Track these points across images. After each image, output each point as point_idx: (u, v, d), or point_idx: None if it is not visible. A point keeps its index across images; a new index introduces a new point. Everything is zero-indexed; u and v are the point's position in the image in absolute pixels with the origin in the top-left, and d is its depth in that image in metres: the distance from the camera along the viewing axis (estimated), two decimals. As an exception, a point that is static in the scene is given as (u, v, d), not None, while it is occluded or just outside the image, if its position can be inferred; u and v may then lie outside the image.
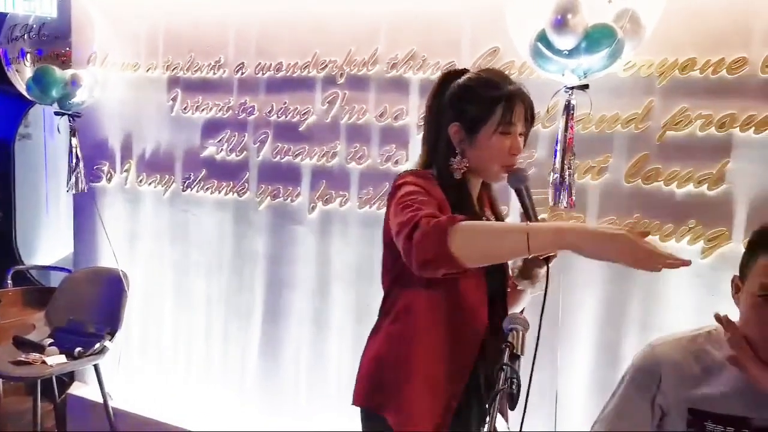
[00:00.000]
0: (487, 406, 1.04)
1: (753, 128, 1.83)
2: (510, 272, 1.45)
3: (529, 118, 1.36)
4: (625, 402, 1.33)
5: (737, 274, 1.28)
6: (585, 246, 1.11)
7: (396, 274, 1.36)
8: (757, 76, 1.82)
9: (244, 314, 2.80)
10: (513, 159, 1.34)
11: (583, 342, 2.11)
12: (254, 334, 2.79)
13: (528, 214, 1.33)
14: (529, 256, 1.23)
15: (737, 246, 1.85)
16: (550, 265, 1.29)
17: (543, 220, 1.46)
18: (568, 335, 2.11)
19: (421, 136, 1.51)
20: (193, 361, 2.95)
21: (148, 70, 2.93)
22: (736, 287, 1.27)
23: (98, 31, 2.99)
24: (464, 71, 1.41)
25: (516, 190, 1.34)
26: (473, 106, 1.33)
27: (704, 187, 1.90)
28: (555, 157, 1.95)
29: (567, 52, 1.80)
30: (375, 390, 1.36)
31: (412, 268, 1.20)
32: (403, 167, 2.34)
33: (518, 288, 1.43)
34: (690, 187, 1.92)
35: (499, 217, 1.50)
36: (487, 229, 1.23)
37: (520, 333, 1.15)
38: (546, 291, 1.27)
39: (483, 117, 1.32)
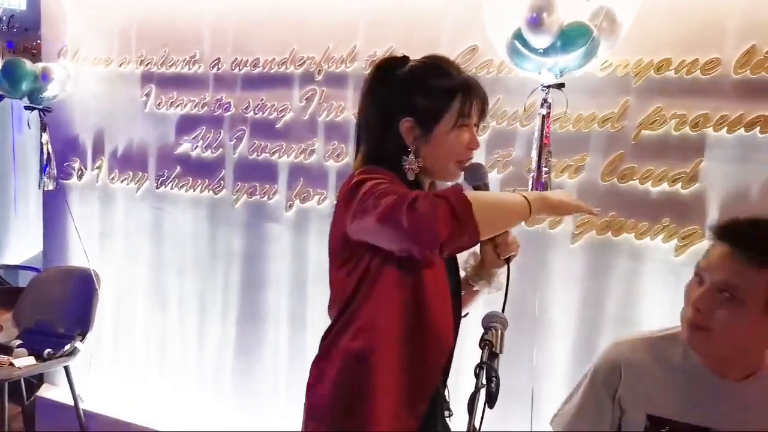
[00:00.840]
0: (467, 405, 1.01)
1: (726, 128, 1.86)
2: (464, 273, 1.38)
3: (484, 110, 1.26)
4: (585, 399, 1.30)
5: None
6: (555, 208, 1.23)
7: (355, 286, 1.20)
8: (729, 77, 1.85)
9: (219, 313, 2.76)
10: (471, 154, 1.25)
11: (559, 340, 2.13)
12: (230, 334, 2.75)
13: None
14: (528, 223, 1.21)
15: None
16: (510, 264, 1.27)
17: None
18: (544, 333, 2.13)
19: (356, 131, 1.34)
20: (166, 362, 2.90)
21: (120, 65, 2.87)
22: None
23: (70, 23, 2.92)
24: (405, 59, 1.27)
25: (475, 188, 1.25)
26: (428, 98, 1.20)
27: (678, 186, 1.92)
28: (532, 156, 1.96)
29: (543, 51, 1.81)
30: (344, 417, 1.21)
31: (412, 248, 1.07)
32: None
33: (474, 289, 1.36)
34: (664, 186, 1.94)
35: None
36: (491, 197, 1.18)
37: (499, 331, 1.14)
38: (507, 291, 1.24)
39: (440, 110, 1.20)
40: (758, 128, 1.82)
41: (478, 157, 1.29)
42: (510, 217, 1.18)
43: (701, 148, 1.90)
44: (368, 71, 1.32)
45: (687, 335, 1.15)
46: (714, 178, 1.89)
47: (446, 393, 1.31)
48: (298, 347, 2.59)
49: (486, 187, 1.26)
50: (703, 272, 1.13)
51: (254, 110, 2.60)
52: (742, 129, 1.84)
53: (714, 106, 1.87)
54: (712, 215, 1.89)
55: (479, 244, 1.29)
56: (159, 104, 2.80)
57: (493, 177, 2.16)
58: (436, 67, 1.24)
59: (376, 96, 1.26)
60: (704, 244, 1.87)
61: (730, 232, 1.12)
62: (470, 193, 1.10)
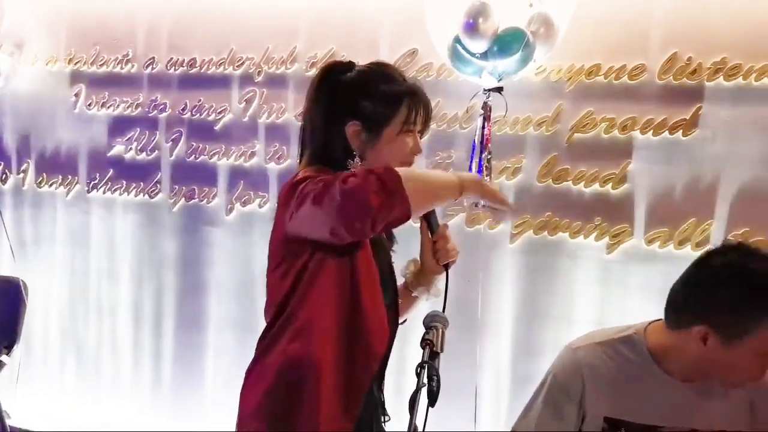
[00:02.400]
0: (408, 404, 1.01)
1: (651, 131, 1.96)
2: (404, 279, 1.38)
3: (428, 117, 1.28)
4: (546, 409, 1.28)
5: (704, 326, 1.16)
6: (487, 191, 1.23)
7: (291, 287, 1.20)
8: (654, 83, 1.96)
9: (156, 321, 2.68)
10: (414, 159, 1.26)
11: (501, 337, 2.18)
12: (167, 342, 2.67)
13: (428, 217, 1.28)
14: (457, 200, 1.21)
15: (639, 242, 1.98)
16: (449, 270, 1.29)
17: (443, 224, 1.35)
18: (486, 332, 2.17)
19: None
20: (100, 374, 2.78)
21: (47, 64, 2.74)
22: (704, 337, 1.16)
23: (-10, 19, 2.76)
24: (350, 64, 1.28)
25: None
26: (376, 104, 1.21)
27: (608, 187, 2.01)
28: (472, 158, 2.00)
29: (480, 55, 1.85)
30: (277, 416, 1.21)
31: (345, 224, 1.08)
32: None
33: (413, 295, 1.37)
34: (596, 187, 2.03)
35: (390, 231, 1.37)
36: (422, 172, 1.19)
37: (440, 330, 1.16)
38: (446, 296, 1.26)
39: (388, 116, 1.21)
40: (681, 131, 1.93)
41: (419, 158, 1.30)
42: (440, 192, 1.18)
43: (629, 151, 1.99)
44: (313, 74, 1.32)
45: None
46: (641, 178, 1.99)
47: (382, 397, 1.32)
48: (241, 354, 2.53)
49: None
50: None
51: (191, 111, 2.54)
52: (667, 132, 1.95)
53: (641, 109, 1.97)
54: (640, 214, 1.99)
55: (420, 251, 1.32)
56: (90, 105, 2.69)
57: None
58: (384, 73, 1.26)
59: (323, 99, 1.26)
60: (633, 242, 1.99)
61: None
62: (400, 169, 1.11)
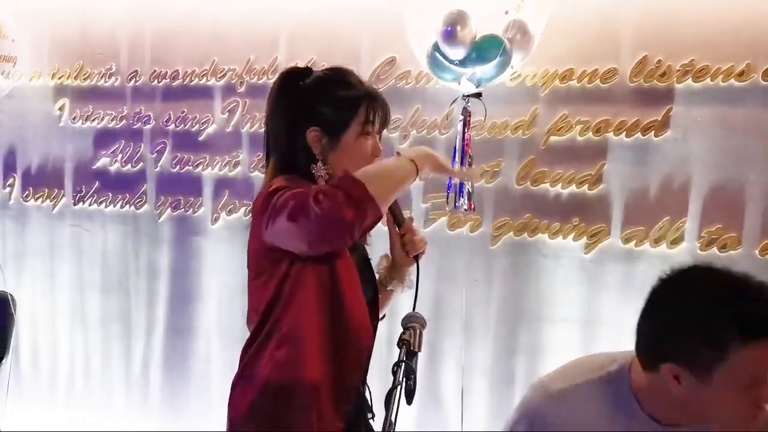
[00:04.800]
0: (384, 402, 1.05)
1: (624, 133, 2.01)
2: (378, 275, 1.41)
3: (387, 119, 1.31)
4: None
5: (671, 363, 1.01)
6: (439, 165, 1.28)
7: (273, 294, 1.22)
8: (626, 85, 2.01)
9: (145, 331, 2.69)
10: (374, 160, 1.28)
11: (485, 339, 2.21)
12: (157, 352, 2.68)
13: (394, 211, 1.31)
14: (417, 179, 1.23)
15: (615, 241, 2.03)
16: (419, 262, 1.33)
17: (408, 217, 1.41)
18: (471, 333, 2.21)
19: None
20: (91, 385, 2.79)
21: (31, 79, 2.76)
22: (675, 376, 1.01)
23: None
24: (308, 70, 1.31)
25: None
26: (334, 108, 1.25)
27: (585, 188, 2.06)
28: (453, 163, 2.04)
29: (459, 62, 1.90)
30: (269, 420, 1.23)
31: (324, 240, 1.12)
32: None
33: (388, 289, 1.41)
34: (573, 188, 2.07)
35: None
36: (378, 169, 1.21)
37: (418, 331, 1.19)
38: (417, 288, 1.30)
39: (347, 119, 1.25)
40: (653, 132, 1.98)
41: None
42: (401, 180, 1.21)
43: (604, 152, 2.04)
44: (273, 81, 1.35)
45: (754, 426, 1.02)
46: (616, 179, 2.04)
47: (368, 395, 1.35)
48: (230, 361, 2.55)
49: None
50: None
51: (175, 123, 2.56)
52: (639, 133, 2.00)
53: (614, 112, 2.02)
54: (616, 214, 2.03)
55: (390, 246, 1.37)
56: (74, 118, 2.71)
57: (416, 184, 2.23)
58: (340, 78, 1.29)
59: (282, 106, 1.29)
60: (610, 242, 2.03)
61: None
62: (358, 174, 1.15)
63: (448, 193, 2.01)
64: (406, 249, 1.34)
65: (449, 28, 1.85)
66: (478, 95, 1.98)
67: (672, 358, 1.01)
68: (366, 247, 1.40)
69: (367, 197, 1.11)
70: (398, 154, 1.24)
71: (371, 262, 1.40)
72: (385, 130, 1.36)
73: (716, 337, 0.97)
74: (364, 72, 2.24)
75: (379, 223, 1.19)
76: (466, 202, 2.00)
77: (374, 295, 1.36)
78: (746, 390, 0.98)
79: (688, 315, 1.01)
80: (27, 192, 2.82)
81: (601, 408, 1.09)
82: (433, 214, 2.22)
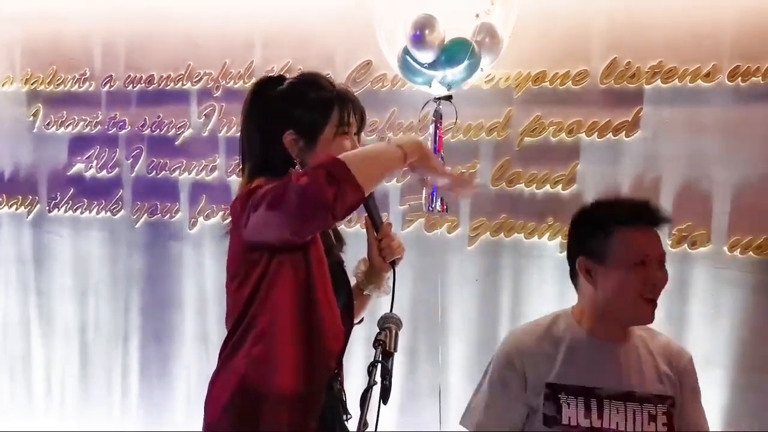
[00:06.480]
0: (359, 401, 1.06)
1: (596, 133, 2.05)
2: (356, 279, 1.42)
3: (363, 119, 1.33)
4: (493, 385, 1.38)
5: (583, 255, 1.33)
6: (428, 156, 1.27)
7: (249, 295, 1.23)
8: (597, 87, 2.05)
9: (123, 337, 2.66)
10: None
11: (462, 337, 2.24)
12: (133, 358, 2.65)
13: (372, 216, 1.32)
14: (403, 169, 1.24)
15: (589, 239, 2.06)
16: (396, 267, 1.33)
17: (386, 222, 1.40)
18: (448, 333, 2.23)
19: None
20: (67, 390, 2.75)
21: (3, 85, 2.72)
22: (586, 269, 1.32)
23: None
24: (281, 78, 1.34)
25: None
26: (308, 110, 1.26)
27: (559, 188, 2.10)
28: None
29: (428, 65, 1.92)
30: (243, 419, 1.24)
31: (306, 223, 1.13)
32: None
33: (365, 294, 1.41)
34: (547, 188, 2.11)
35: (338, 233, 1.43)
36: (363, 151, 1.21)
37: (393, 331, 1.20)
38: (393, 292, 1.31)
39: (322, 120, 1.26)
40: (624, 133, 2.03)
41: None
42: (386, 164, 1.21)
43: (577, 152, 2.08)
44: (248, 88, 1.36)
45: (648, 316, 1.31)
46: (589, 179, 2.08)
47: (344, 395, 1.36)
48: (207, 366, 2.53)
49: (371, 195, 1.29)
50: (646, 256, 1.28)
51: (151, 128, 2.55)
52: (611, 134, 2.04)
53: (585, 113, 2.06)
54: (590, 213, 2.06)
55: (367, 251, 1.37)
56: (48, 124, 2.68)
57: (392, 185, 2.25)
58: (312, 81, 1.31)
59: (257, 112, 1.30)
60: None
61: (644, 214, 1.32)
62: (341, 155, 1.15)
63: (433, 195, 2.01)
64: (383, 254, 1.33)
65: (418, 32, 1.88)
66: (448, 98, 2.01)
67: (585, 253, 1.33)
68: (341, 254, 1.40)
69: (347, 176, 1.10)
70: (388, 141, 1.25)
71: (346, 267, 1.40)
72: (362, 133, 1.37)
73: (604, 225, 1.31)
74: (339, 75, 2.26)
75: (357, 227, 1.20)
76: (439, 203, 2.02)
77: (348, 300, 1.36)
78: (634, 267, 1.28)
79: (590, 216, 1.38)
80: (0, 199, 2.78)
81: (553, 333, 1.38)
82: (411, 215, 2.24)
